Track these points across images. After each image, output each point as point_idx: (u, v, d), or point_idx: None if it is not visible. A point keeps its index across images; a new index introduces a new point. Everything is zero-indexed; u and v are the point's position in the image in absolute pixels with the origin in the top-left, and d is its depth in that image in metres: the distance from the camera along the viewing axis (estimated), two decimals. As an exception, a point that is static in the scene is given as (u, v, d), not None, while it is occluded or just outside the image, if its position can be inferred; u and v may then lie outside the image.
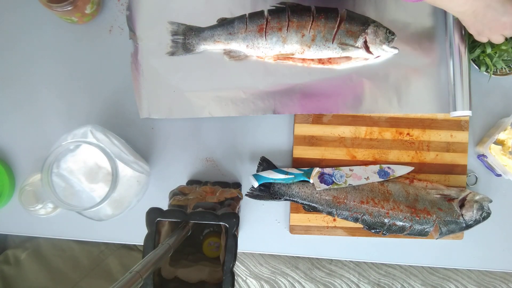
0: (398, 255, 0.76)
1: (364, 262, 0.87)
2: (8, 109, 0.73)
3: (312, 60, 0.71)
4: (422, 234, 0.68)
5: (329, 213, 0.70)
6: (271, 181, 0.69)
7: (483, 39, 0.67)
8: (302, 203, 0.70)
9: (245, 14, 0.70)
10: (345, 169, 0.72)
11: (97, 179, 0.61)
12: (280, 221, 0.75)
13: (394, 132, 0.74)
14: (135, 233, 0.73)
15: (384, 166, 0.73)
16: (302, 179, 0.69)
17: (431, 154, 0.74)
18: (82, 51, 0.74)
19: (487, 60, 0.71)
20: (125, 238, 0.74)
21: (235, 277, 0.80)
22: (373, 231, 0.69)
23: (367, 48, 0.70)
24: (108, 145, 0.58)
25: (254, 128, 0.74)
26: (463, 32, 0.71)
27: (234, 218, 0.53)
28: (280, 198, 0.70)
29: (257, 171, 0.72)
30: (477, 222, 0.69)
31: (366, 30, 0.69)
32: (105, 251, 0.84)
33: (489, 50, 0.70)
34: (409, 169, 0.73)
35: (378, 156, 0.74)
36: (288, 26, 0.69)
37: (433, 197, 0.70)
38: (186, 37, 0.71)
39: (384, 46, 0.70)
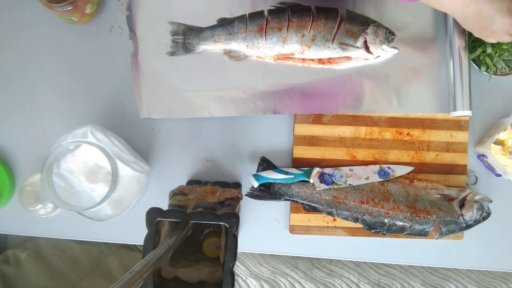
0: (398, 255, 0.76)
1: (364, 262, 0.87)
2: (8, 109, 0.73)
3: (312, 60, 0.71)
4: (422, 234, 0.68)
5: (329, 213, 0.70)
6: (271, 181, 0.69)
7: (476, 34, 0.68)
8: (302, 203, 0.70)
9: (245, 14, 0.70)
10: (345, 169, 0.72)
11: (97, 179, 0.61)
12: (280, 221, 0.75)
13: (394, 132, 0.74)
14: (135, 233, 0.73)
15: (384, 166, 0.73)
16: (302, 179, 0.69)
17: (431, 154, 0.74)
18: (82, 51, 0.74)
19: (487, 60, 0.71)
20: (125, 238, 0.74)
21: (235, 277, 0.80)
22: (373, 231, 0.69)
23: (367, 48, 0.70)
24: (108, 145, 0.58)
25: (254, 128, 0.74)
26: (463, 32, 0.71)
27: (234, 218, 0.53)
28: (280, 198, 0.70)
29: (257, 171, 0.72)
30: (477, 222, 0.69)
31: (366, 30, 0.69)
32: (105, 251, 0.84)
33: (489, 50, 0.70)
34: (409, 169, 0.73)
35: (378, 156, 0.74)
36: (288, 26, 0.69)
37: (433, 197, 0.70)
38: (186, 37, 0.71)
39: (384, 46, 0.70)
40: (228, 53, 0.71)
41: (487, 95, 0.76)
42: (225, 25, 0.70)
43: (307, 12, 0.69)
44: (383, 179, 0.72)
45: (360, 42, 0.70)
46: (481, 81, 0.75)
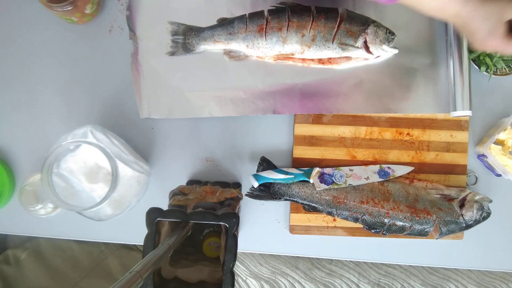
0: (398, 255, 0.76)
1: (364, 262, 0.87)
2: (8, 109, 0.73)
3: (312, 60, 0.71)
4: (422, 234, 0.68)
5: (329, 213, 0.70)
6: (271, 181, 0.69)
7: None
8: (302, 203, 0.70)
9: (245, 14, 0.70)
10: (345, 169, 0.72)
11: (97, 179, 0.61)
12: (280, 221, 0.75)
13: (394, 132, 0.74)
14: (135, 233, 0.73)
15: (384, 166, 0.73)
16: (302, 179, 0.69)
17: (431, 154, 0.74)
18: (82, 51, 0.74)
19: (487, 60, 0.71)
20: (125, 238, 0.74)
21: (235, 277, 0.80)
22: (373, 231, 0.69)
23: (367, 48, 0.70)
24: (108, 145, 0.58)
25: (254, 128, 0.74)
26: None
27: (234, 218, 0.53)
28: (280, 198, 0.70)
29: (257, 171, 0.72)
30: (477, 222, 0.69)
31: (366, 30, 0.69)
32: (105, 251, 0.84)
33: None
34: (409, 169, 0.73)
35: (378, 156, 0.74)
36: (288, 26, 0.69)
37: (433, 197, 0.70)
38: (186, 37, 0.71)
39: (384, 46, 0.70)
40: (228, 53, 0.71)
41: (487, 95, 0.76)
42: (225, 25, 0.70)
43: (307, 12, 0.69)
44: (383, 179, 0.72)
45: (360, 42, 0.70)
46: (481, 81, 0.75)
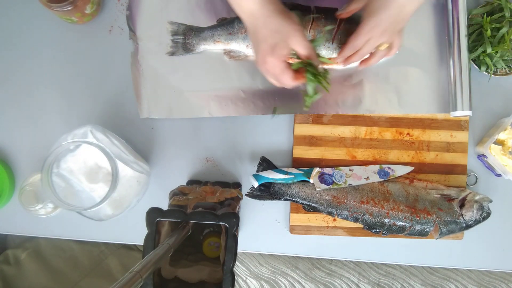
0: (398, 255, 0.76)
1: (364, 262, 0.87)
2: (8, 109, 0.73)
3: None
4: (422, 234, 0.68)
5: (329, 213, 0.70)
6: (271, 181, 0.69)
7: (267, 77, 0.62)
8: (302, 203, 0.70)
9: (245, 14, 0.70)
10: (345, 169, 0.72)
11: (97, 179, 0.61)
12: (280, 221, 0.75)
13: (394, 132, 0.74)
14: (135, 233, 0.73)
15: (384, 166, 0.73)
16: (302, 179, 0.69)
17: (431, 154, 0.74)
18: (82, 51, 0.74)
19: (487, 60, 0.71)
20: (125, 238, 0.74)
21: (235, 277, 0.80)
22: (373, 231, 0.69)
23: None
24: (108, 145, 0.58)
25: (254, 128, 0.74)
26: (463, 32, 0.71)
27: (234, 218, 0.53)
28: (280, 198, 0.70)
29: (257, 171, 0.72)
30: (477, 222, 0.69)
31: None
32: (105, 251, 0.84)
33: (489, 50, 0.70)
34: (409, 169, 0.73)
35: (378, 156, 0.74)
36: None
37: (433, 197, 0.70)
38: (186, 37, 0.71)
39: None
40: (228, 53, 0.71)
41: (487, 95, 0.76)
42: (225, 25, 0.70)
43: (307, 12, 0.69)
44: (383, 179, 0.72)
45: None
46: (481, 81, 0.75)
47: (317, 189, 0.69)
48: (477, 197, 0.69)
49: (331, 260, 0.87)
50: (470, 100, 0.70)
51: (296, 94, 0.71)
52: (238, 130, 0.74)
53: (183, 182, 0.74)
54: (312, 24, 0.69)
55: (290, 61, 0.58)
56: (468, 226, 0.69)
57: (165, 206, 0.56)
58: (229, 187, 0.72)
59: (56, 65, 0.73)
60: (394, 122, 0.74)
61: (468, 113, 0.70)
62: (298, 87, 0.61)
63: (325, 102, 0.71)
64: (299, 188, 0.70)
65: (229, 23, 0.70)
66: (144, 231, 0.53)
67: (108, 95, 0.74)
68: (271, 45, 0.55)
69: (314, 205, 0.69)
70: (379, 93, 0.72)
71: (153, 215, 0.53)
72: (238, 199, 0.65)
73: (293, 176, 0.69)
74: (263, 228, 0.74)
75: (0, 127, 0.73)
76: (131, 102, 0.72)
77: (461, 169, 0.74)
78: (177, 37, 0.71)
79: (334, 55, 0.70)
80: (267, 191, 0.70)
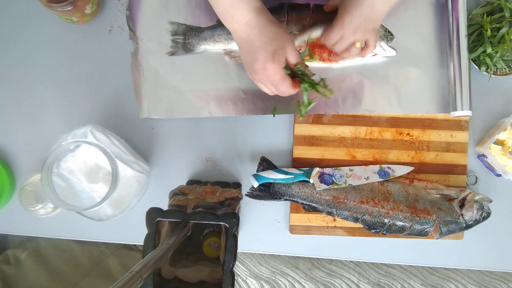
0: (398, 255, 0.76)
1: (364, 262, 0.87)
2: (8, 109, 0.73)
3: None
4: (422, 234, 0.68)
5: (329, 213, 0.70)
6: (271, 181, 0.69)
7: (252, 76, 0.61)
8: (302, 203, 0.70)
9: (245, 14, 0.70)
10: (345, 169, 0.72)
11: (97, 179, 0.61)
12: (280, 221, 0.75)
13: (394, 132, 0.74)
14: (135, 233, 0.73)
15: (384, 166, 0.73)
16: (302, 179, 0.69)
17: (431, 154, 0.74)
18: (82, 51, 0.74)
19: (487, 60, 0.71)
20: (125, 238, 0.74)
21: (235, 277, 0.80)
22: (373, 231, 0.69)
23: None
24: (108, 145, 0.58)
25: (254, 128, 0.74)
26: (463, 32, 0.71)
27: (234, 218, 0.53)
28: (280, 198, 0.70)
29: (257, 171, 0.72)
30: (477, 222, 0.69)
31: None
32: (105, 251, 0.84)
33: (489, 50, 0.70)
34: (409, 169, 0.73)
35: (378, 156, 0.74)
36: (287, 21, 0.69)
37: (433, 197, 0.70)
38: (186, 37, 0.71)
39: (383, 43, 0.69)
40: (229, 53, 0.71)
41: (487, 95, 0.76)
42: (225, 25, 0.70)
43: (306, 9, 0.69)
44: (383, 179, 0.72)
45: None
46: (481, 81, 0.75)
47: (317, 189, 0.69)
48: (477, 197, 0.69)
49: (331, 260, 0.87)
50: (470, 100, 0.70)
51: (296, 94, 0.71)
52: (238, 130, 0.74)
53: (183, 182, 0.74)
54: (310, 20, 0.69)
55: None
56: (468, 226, 0.69)
57: (165, 206, 0.56)
58: (229, 187, 0.72)
59: (56, 65, 0.73)
60: (394, 122, 0.74)
61: (468, 113, 0.70)
62: (292, 96, 0.61)
63: (325, 102, 0.71)
64: (299, 188, 0.70)
65: (229, 23, 0.70)
66: (144, 231, 0.53)
67: (108, 95, 0.74)
68: (271, 52, 0.55)
69: (314, 205, 0.69)
70: (379, 93, 0.72)
71: (153, 215, 0.53)
72: (238, 199, 0.65)
73: (293, 176, 0.69)
74: (263, 228, 0.74)
75: (0, 127, 0.73)
76: (131, 102, 0.73)
77: (461, 169, 0.74)
78: (177, 37, 0.71)
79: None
80: (267, 191, 0.70)
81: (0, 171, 0.70)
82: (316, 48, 0.71)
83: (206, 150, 0.74)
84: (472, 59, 0.72)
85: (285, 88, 0.57)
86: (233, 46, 0.71)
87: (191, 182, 0.73)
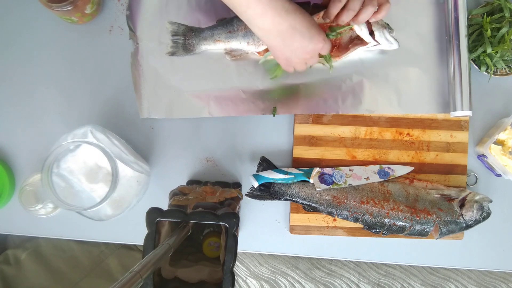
0: (398, 255, 0.76)
1: (364, 262, 0.87)
2: (8, 109, 0.73)
3: None
4: (422, 234, 0.68)
5: (329, 213, 0.70)
6: (271, 181, 0.69)
7: (290, 69, 0.65)
8: (302, 203, 0.70)
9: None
10: (345, 169, 0.72)
11: (97, 179, 0.61)
12: (280, 221, 0.75)
13: (394, 132, 0.74)
14: (135, 233, 0.73)
15: (384, 166, 0.73)
16: (302, 179, 0.69)
17: (431, 154, 0.74)
18: (82, 51, 0.74)
19: (487, 60, 0.71)
20: (125, 238, 0.74)
21: (235, 277, 0.80)
22: (373, 231, 0.69)
23: (370, 29, 0.68)
24: (108, 145, 0.58)
25: (254, 128, 0.74)
26: (463, 32, 0.71)
27: (234, 218, 0.53)
28: (280, 198, 0.70)
29: (257, 171, 0.72)
30: (477, 222, 0.69)
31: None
32: (105, 251, 0.84)
33: (489, 50, 0.70)
34: (409, 169, 0.73)
35: (378, 156, 0.74)
36: None
37: (433, 197, 0.70)
38: (186, 37, 0.71)
39: (385, 32, 0.68)
40: (230, 52, 0.71)
41: (487, 95, 0.76)
42: (225, 24, 0.70)
43: (306, 5, 0.69)
44: (383, 179, 0.72)
45: (363, 24, 0.68)
46: (481, 81, 0.75)
47: (317, 189, 0.69)
48: (477, 197, 0.69)
49: (331, 260, 0.87)
50: (470, 100, 0.70)
51: (296, 94, 0.71)
52: (238, 130, 0.74)
53: (183, 182, 0.74)
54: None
55: None
56: (468, 226, 0.69)
57: (165, 206, 0.56)
58: (229, 187, 0.72)
59: (56, 65, 0.73)
60: (394, 122, 0.74)
61: (468, 113, 0.70)
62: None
63: (325, 102, 0.71)
64: (299, 188, 0.70)
65: (228, 22, 0.70)
66: (144, 231, 0.53)
67: (108, 95, 0.74)
68: (309, 36, 0.58)
69: (314, 205, 0.69)
70: (379, 93, 0.72)
71: (153, 215, 0.53)
72: (238, 199, 0.65)
73: (293, 176, 0.69)
74: (263, 228, 0.74)
75: (0, 127, 0.73)
76: (131, 102, 0.73)
77: (461, 169, 0.74)
78: (177, 38, 0.71)
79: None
80: (267, 191, 0.70)
81: (0, 171, 0.70)
82: None
83: (206, 150, 0.74)
84: (472, 59, 0.72)
85: (327, 50, 0.62)
86: (233, 44, 0.71)
87: (191, 182, 0.73)
